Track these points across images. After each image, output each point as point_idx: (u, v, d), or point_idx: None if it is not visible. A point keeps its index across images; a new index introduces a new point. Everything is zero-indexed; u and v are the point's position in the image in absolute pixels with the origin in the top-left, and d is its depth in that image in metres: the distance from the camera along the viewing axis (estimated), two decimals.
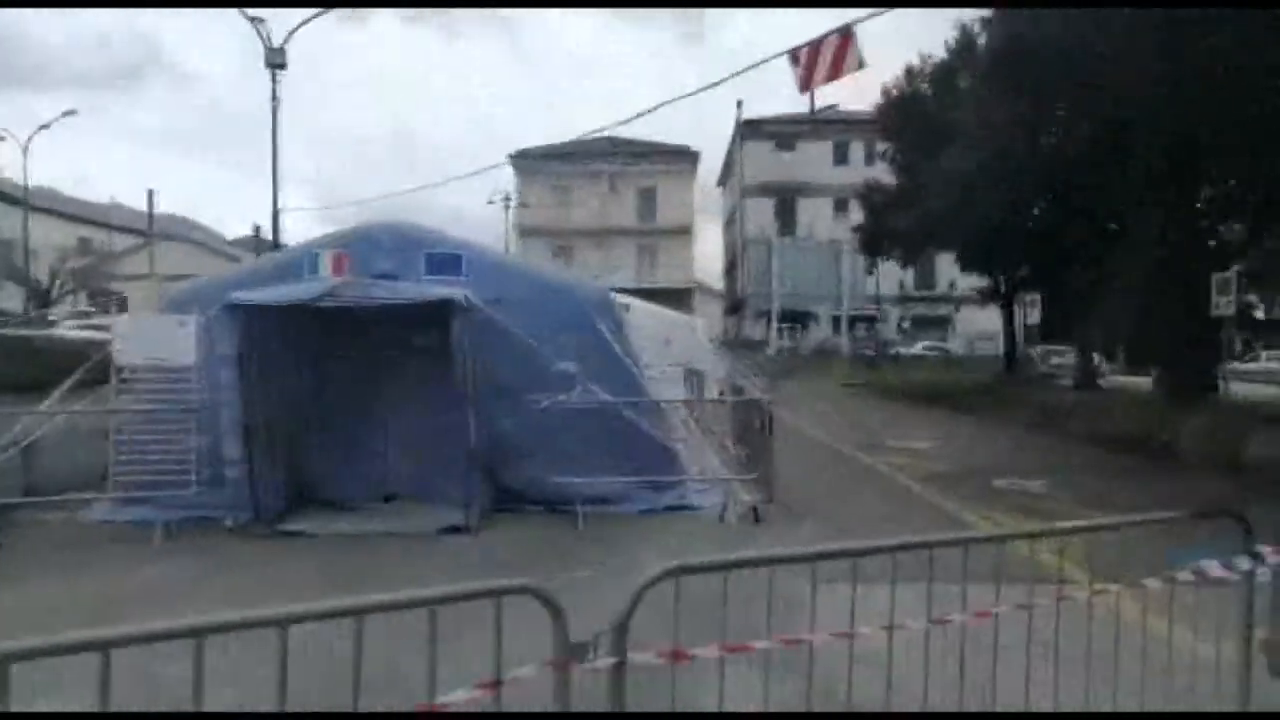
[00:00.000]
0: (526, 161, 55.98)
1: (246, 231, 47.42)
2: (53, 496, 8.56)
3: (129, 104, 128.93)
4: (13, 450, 8.05)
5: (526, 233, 56.37)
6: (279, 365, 8.96)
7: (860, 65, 10.74)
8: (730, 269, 62.87)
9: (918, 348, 45.56)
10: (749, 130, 55.59)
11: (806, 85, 11.22)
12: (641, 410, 9.49)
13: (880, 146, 31.29)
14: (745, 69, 33.94)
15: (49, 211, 54.20)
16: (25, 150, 40.36)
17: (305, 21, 17.25)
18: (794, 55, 10.94)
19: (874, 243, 30.86)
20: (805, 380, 34.64)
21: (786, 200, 54.95)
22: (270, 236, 21.72)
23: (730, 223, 63.20)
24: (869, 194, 30.54)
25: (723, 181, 66.80)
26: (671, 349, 25.73)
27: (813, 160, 54.62)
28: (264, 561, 7.54)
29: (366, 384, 9.75)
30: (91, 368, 9.00)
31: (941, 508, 9.87)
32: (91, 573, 7.17)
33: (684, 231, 56.25)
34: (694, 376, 18.75)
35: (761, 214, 55.41)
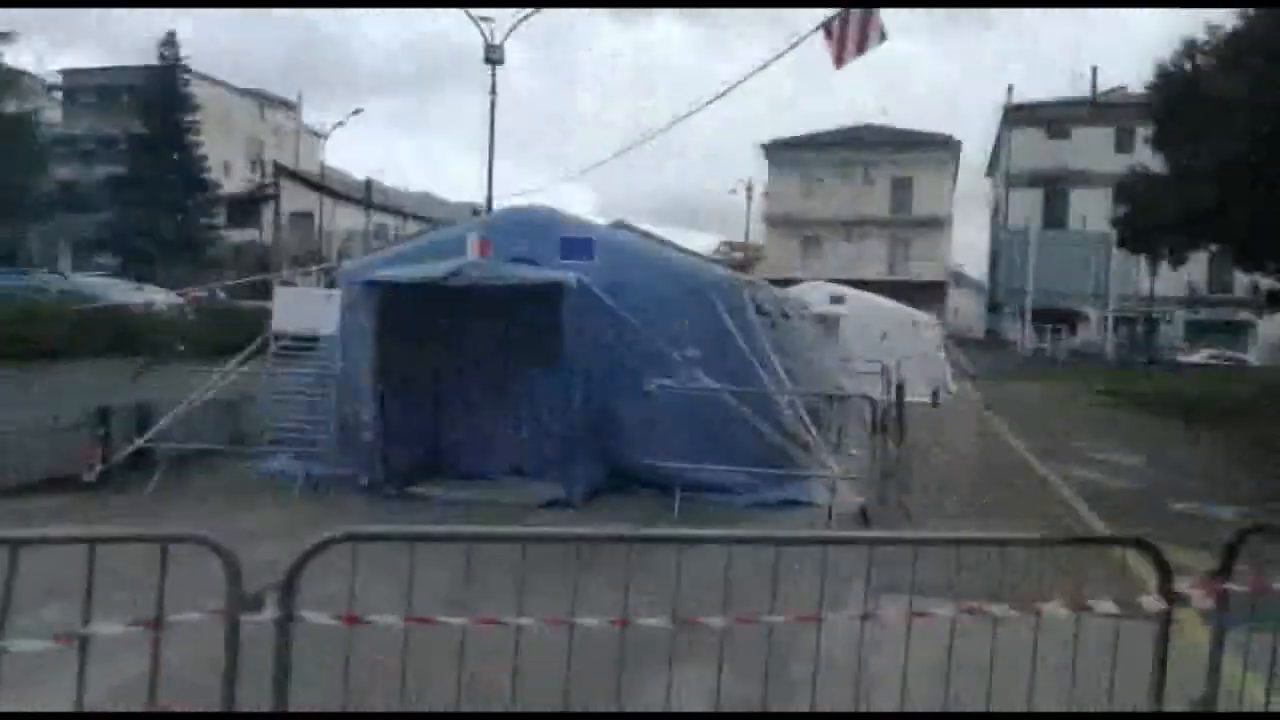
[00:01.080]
0: (777, 151, 55.71)
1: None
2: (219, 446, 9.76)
3: (438, 102, 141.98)
4: (183, 406, 9.24)
5: (775, 223, 56.13)
6: (414, 339, 9.65)
7: (883, 38, 10.10)
8: (993, 264, 59.13)
9: (1200, 355, 40.61)
10: (1018, 116, 51.92)
11: (839, 61, 10.51)
12: (751, 401, 9.27)
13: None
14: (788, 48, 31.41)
15: (346, 199, 61.05)
16: (323, 141, 45.28)
17: (521, 19, 18.26)
18: (827, 29, 10.18)
19: (1136, 238, 27.83)
20: (1051, 384, 32.10)
21: (1057, 191, 50.80)
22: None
23: (996, 215, 59.43)
24: (1132, 183, 27.55)
25: (991, 171, 62.90)
26: (888, 344, 24.88)
27: (1090, 148, 50.04)
28: (371, 516, 8.23)
29: (498, 361, 10.25)
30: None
31: (1088, 523, 8.91)
32: (230, 512, 8.15)
33: (939, 223, 53.61)
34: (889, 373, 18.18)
35: (1029, 205, 51.65)
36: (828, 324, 23.35)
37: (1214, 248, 27.22)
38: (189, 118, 46.39)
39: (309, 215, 57.87)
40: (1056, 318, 47.58)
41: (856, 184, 54.25)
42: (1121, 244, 29.70)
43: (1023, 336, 45.15)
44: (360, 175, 62.27)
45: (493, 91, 17.87)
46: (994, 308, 56.90)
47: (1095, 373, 36.41)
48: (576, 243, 10.10)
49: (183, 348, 16.56)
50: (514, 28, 18.37)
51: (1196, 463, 14.24)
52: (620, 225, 57.05)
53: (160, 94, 45.63)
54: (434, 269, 9.23)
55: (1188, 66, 25.63)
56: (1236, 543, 3.32)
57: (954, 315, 67.63)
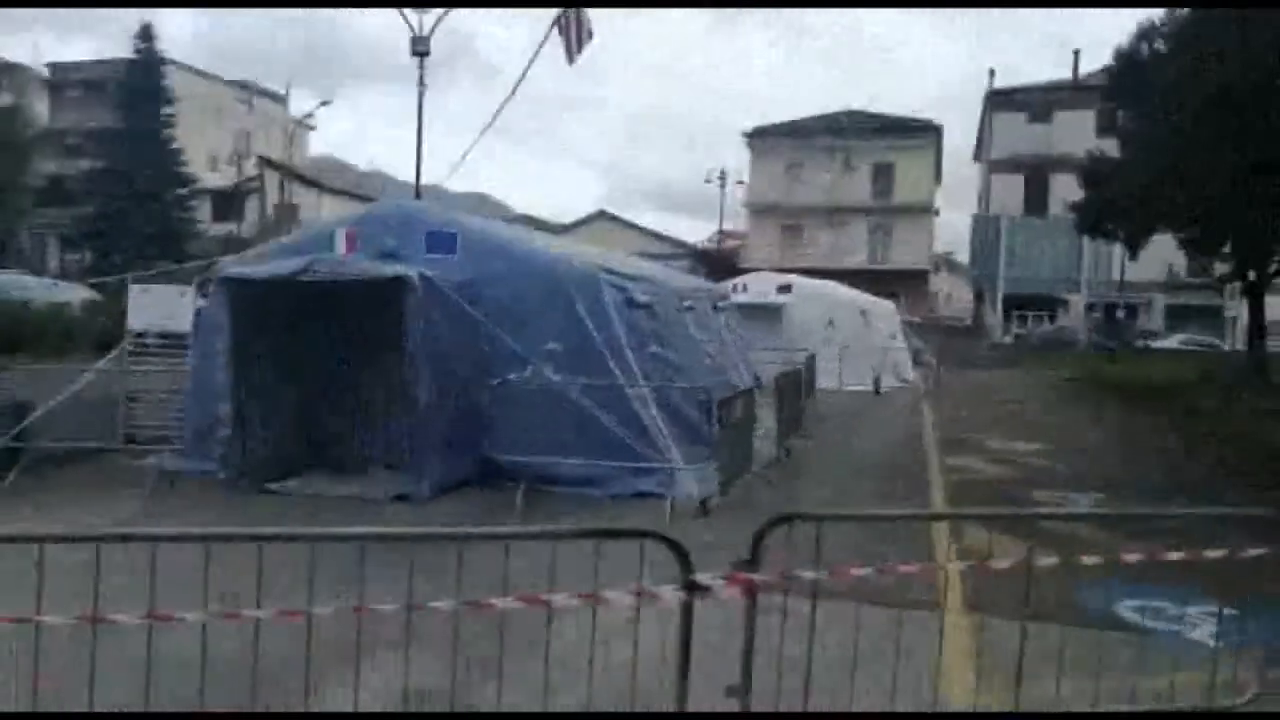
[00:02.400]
0: (759, 139, 55.54)
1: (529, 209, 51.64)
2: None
3: (444, 93, 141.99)
4: (45, 406, 9.35)
5: (758, 211, 56.00)
6: (276, 335, 9.73)
7: (590, 36, 10.43)
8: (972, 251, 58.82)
9: (1173, 340, 40.41)
10: (999, 100, 51.60)
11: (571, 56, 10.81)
12: (603, 394, 9.33)
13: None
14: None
15: (331, 190, 61.26)
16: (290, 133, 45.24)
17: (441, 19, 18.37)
18: (560, 25, 10.27)
19: (1094, 222, 27.63)
20: (1013, 371, 32.04)
21: (1039, 176, 50.48)
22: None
23: (981, 201, 59.11)
24: (1092, 166, 27.37)
25: (978, 156, 62.53)
26: (833, 332, 24.81)
27: (1072, 132, 49.64)
28: (212, 510, 8.36)
29: (359, 356, 10.32)
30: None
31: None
32: (77, 507, 8.29)
33: (921, 210, 53.37)
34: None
35: (1011, 191, 51.35)
36: (767, 312, 23.43)
37: (1174, 234, 26.99)
38: (165, 110, 46.45)
39: (296, 207, 58.04)
40: (1035, 304, 47.40)
41: (837, 171, 54.01)
42: (1081, 229, 29.46)
43: (998, 323, 44.99)
44: (364, 166, 62.50)
45: (421, 83, 18.01)
46: (979, 295, 56.76)
47: (1066, 359, 36.34)
48: (440, 237, 10.18)
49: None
50: (440, 20, 18.40)
51: (1105, 450, 14.24)
52: (602, 215, 56.53)
53: (136, 87, 45.73)
54: (285, 265, 9.31)
55: (1144, 50, 25.46)
56: (761, 533, 3.41)
57: (945, 303, 67.53)
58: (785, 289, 24.92)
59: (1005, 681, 4.10)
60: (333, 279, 9.12)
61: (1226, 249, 25.17)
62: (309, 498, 9.06)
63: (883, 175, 54.13)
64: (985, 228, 50.71)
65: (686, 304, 13.60)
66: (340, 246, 10.19)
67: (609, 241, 50.14)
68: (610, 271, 10.78)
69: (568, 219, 59.19)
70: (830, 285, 27.82)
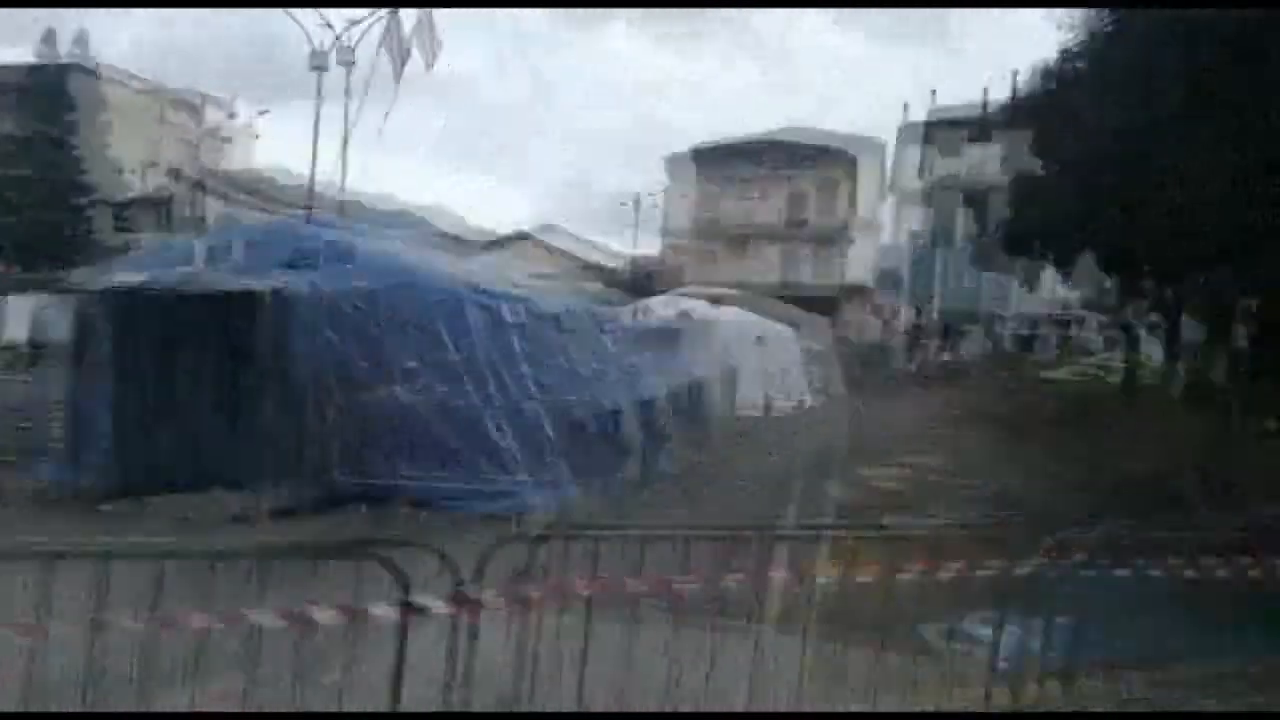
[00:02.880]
0: (679, 162, 56.09)
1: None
2: None
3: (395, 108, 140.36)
4: None
5: (673, 234, 56.50)
6: (123, 349, 9.48)
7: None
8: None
9: (1064, 371, 41.70)
10: (910, 132, 53.03)
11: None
12: (455, 413, 9.30)
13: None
14: None
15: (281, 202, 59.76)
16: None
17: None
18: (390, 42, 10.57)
19: (984, 251, 28.56)
20: (895, 401, 32.34)
21: (947, 205, 51.95)
22: None
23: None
24: (983, 195, 28.31)
25: (894, 186, 64.17)
26: (727, 357, 24.97)
27: (980, 161, 51.33)
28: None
29: (224, 369, 10.13)
30: None
31: None
32: None
33: (834, 235, 54.45)
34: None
35: (924, 219, 52.79)
36: (666, 337, 23.66)
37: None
38: (69, 116, 45.06)
39: (201, 219, 56.45)
40: (945, 330, 48.57)
41: (775, 190, 54.83)
42: (1009, 250, 29.66)
43: (905, 350, 46.05)
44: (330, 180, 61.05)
45: (347, 94, 17.65)
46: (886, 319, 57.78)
47: (955, 386, 36.57)
48: (308, 250, 10.07)
49: None
50: (367, 30, 18.04)
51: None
52: (548, 228, 55.89)
53: (41, 92, 44.32)
54: (131, 278, 9.12)
55: (1052, 83, 26.24)
56: (488, 554, 3.46)
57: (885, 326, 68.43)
58: (685, 314, 25.20)
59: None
60: (204, 290, 8.93)
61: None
62: (140, 516, 8.80)
63: (796, 201, 55.07)
64: (884, 255, 52.12)
65: (567, 326, 13.64)
66: (200, 260, 10.05)
67: (534, 261, 50.13)
68: (481, 290, 10.76)
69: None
70: (730, 311, 28.13)
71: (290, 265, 9.93)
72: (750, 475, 13.27)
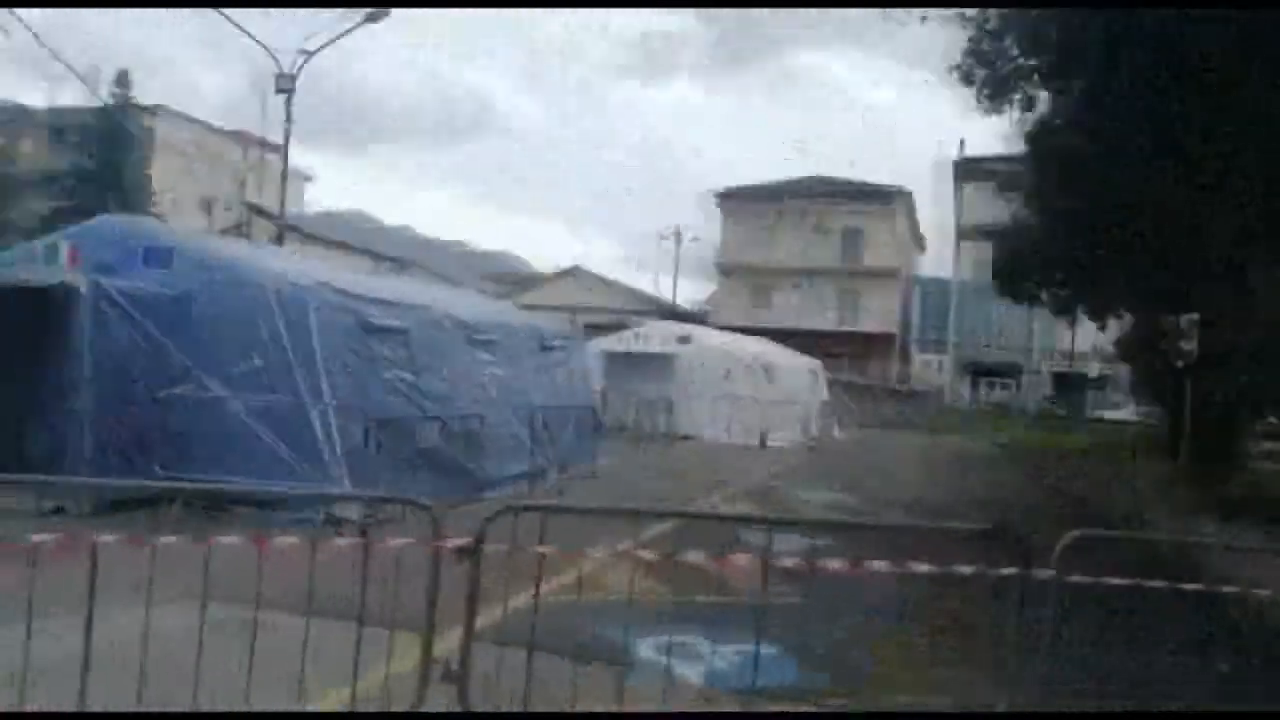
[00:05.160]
0: (729, 200, 55.80)
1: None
2: None
3: (467, 155, 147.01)
4: None
5: (728, 272, 55.99)
6: None
7: None
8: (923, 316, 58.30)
9: (1127, 411, 39.58)
10: (968, 169, 51.62)
11: None
12: (279, 414, 9.06)
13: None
14: None
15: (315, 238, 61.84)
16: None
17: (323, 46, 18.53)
18: None
19: (1010, 287, 27.24)
20: (957, 436, 31.33)
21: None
22: None
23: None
24: (1002, 234, 27.12)
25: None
26: (729, 385, 24.37)
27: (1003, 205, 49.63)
28: None
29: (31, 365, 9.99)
30: None
31: None
32: None
33: (888, 274, 53.06)
34: None
35: (981, 259, 51.10)
36: (656, 361, 23.29)
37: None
38: (132, 155, 47.38)
39: None
40: (999, 372, 46.80)
41: (806, 234, 53.98)
42: (1000, 290, 28.99)
43: (950, 388, 44.43)
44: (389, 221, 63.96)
45: (288, 120, 18.14)
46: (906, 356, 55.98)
47: (1011, 424, 35.66)
48: (156, 252, 10.06)
49: None
50: (312, 55, 18.52)
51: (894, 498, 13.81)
52: (575, 270, 56.21)
53: (106, 131, 46.72)
54: None
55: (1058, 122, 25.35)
56: None
57: (924, 369, 66.83)
58: (685, 340, 24.70)
59: None
60: None
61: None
62: None
63: (851, 240, 54.02)
64: (926, 293, 50.58)
65: (483, 337, 13.40)
66: (64, 260, 10.11)
67: (579, 297, 50.40)
68: (343, 293, 10.58)
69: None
70: (735, 339, 27.54)
71: (146, 265, 9.97)
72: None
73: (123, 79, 47.45)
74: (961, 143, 53.11)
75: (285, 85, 18.47)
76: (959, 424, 35.82)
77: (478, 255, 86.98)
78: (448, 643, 4.09)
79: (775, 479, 15.68)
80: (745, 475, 16.03)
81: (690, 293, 57.45)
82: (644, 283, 59.76)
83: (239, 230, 56.95)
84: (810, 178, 54.97)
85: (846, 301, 53.98)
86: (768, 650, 4.64)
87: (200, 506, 8.59)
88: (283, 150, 18.90)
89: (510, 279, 62.53)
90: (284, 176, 19.91)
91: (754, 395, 23.90)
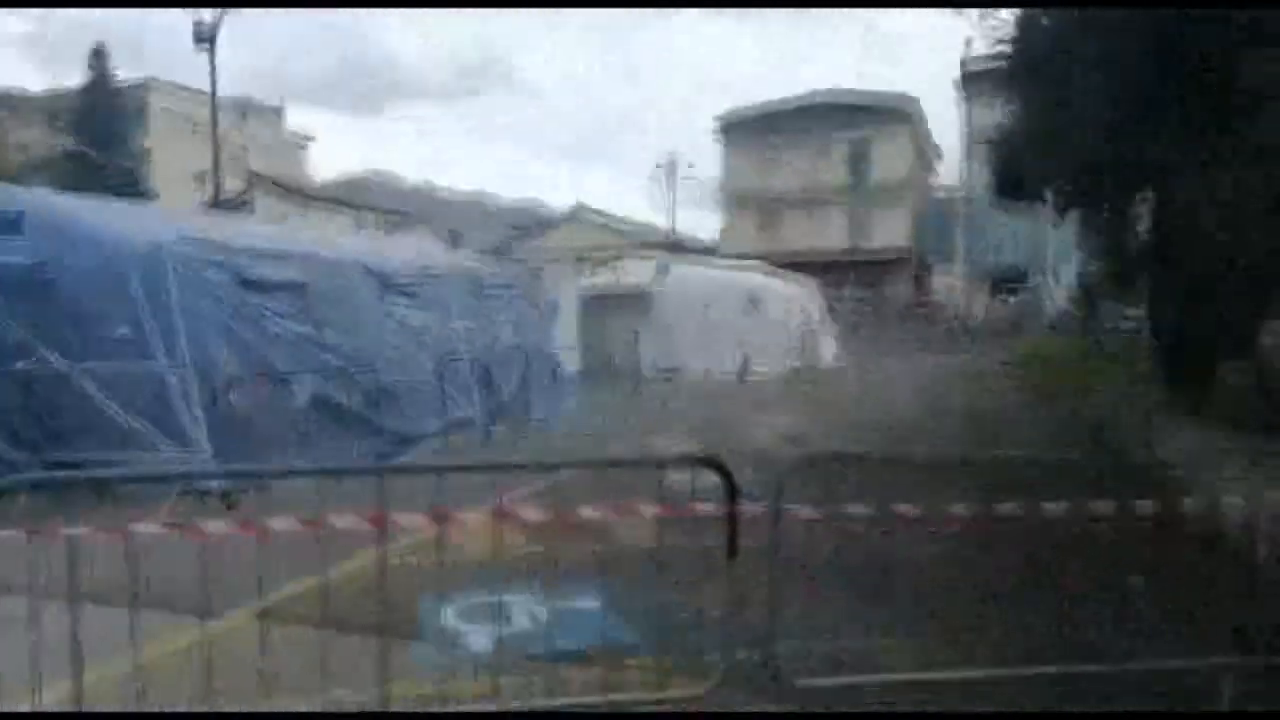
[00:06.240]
0: (731, 127, 54.18)
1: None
2: None
3: (479, 108, 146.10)
4: None
5: (733, 200, 54.58)
6: None
7: None
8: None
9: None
10: (974, 74, 49.43)
11: None
12: (130, 382, 8.40)
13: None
14: None
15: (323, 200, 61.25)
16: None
17: None
18: None
19: (1008, 193, 25.84)
20: (961, 356, 30.16)
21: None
22: None
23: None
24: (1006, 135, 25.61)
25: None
26: (709, 313, 23.47)
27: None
28: None
29: None
30: None
31: None
32: None
33: (899, 191, 51.24)
34: None
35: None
36: (633, 299, 22.58)
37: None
38: (116, 130, 46.84)
39: (282, 219, 58.12)
40: (1010, 284, 45.20)
41: (810, 155, 52.28)
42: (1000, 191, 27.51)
43: (958, 303, 43.00)
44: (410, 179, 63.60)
45: (212, 82, 17.14)
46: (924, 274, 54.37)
47: (1026, 341, 34.30)
48: (7, 219, 9.36)
49: None
50: (221, 16, 17.55)
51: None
52: (580, 207, 55.35)
53: (90, 108, 46.20)
54: None
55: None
56: None
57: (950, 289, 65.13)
58: (662, 272, 23.79)
59: None
60: None
61: None
62: None
63: (859, 158, 52.24)
64: (934, 209, 48.92)
65: (402, 285, 12.65)
66: None
67: (585, 235, 49.35)
68: (220, 247, 9.85)
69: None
70: (713, 268, 26.55)
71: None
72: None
73: (99, 53, 46.76)
74: (968, 42, 50.86)
75: (205, 34, 17.52)
76: (970, 341, 34.60)
77: (502, 206, 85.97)
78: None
79: (737, 413, 14.89)
80: (695, 413, 15.32)
81: (710, 225, 55.97)
82: (662, 218, 58.19)
83: (241, 199, 56.82)
84: (811, 94, 52.95)
85: (856, 222, 52.43)
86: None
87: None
88: (211, 106, 17.94)
89: (533, 225, 61.41)
90: (214, 129, 18.78)
91: (736, 325, 22.98)
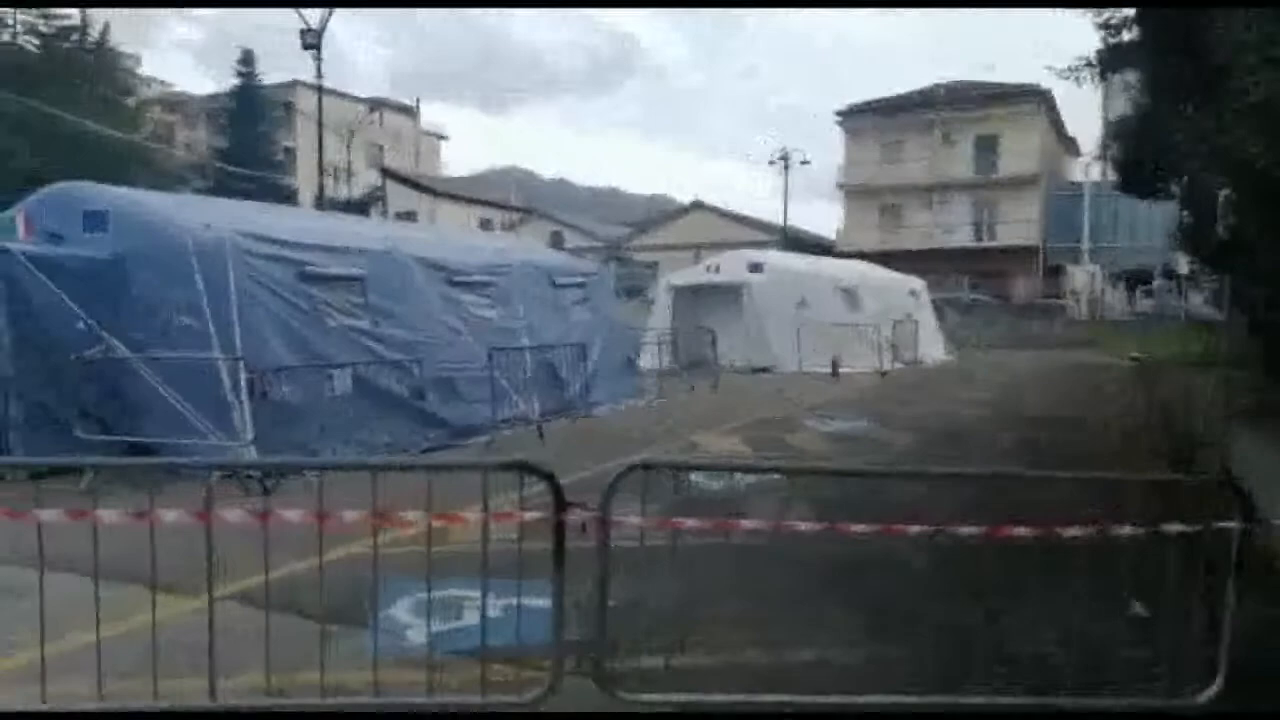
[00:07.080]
0: (852, 118, 52.99)
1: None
2: None
3: (613, 102, 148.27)
4: None
5: (853, 193, 53.37)
6: None
7: None
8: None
9: None
10: (1111, 58, 46.67)
11: None
12: (184, 371, 8.99)
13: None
14: None
15: (448, 196, 63.37)
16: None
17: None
18: None
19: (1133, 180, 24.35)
20: (1086, 351, 28.75)
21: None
22: None
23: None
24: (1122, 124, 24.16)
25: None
26: (805, 312, 23.24)
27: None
28: None
29: None
30: None
31: None
32: None
33: (1028, 183, 48.91)
34: None
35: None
36: (724, 293, 22.53)
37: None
38: (262, 128, 49.71)
39: (411, 215, 60.57)
40: (1140, 279, 42.55)
41: (935, 146, 50.58)
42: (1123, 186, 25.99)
43: (1083, 299, 40.66)
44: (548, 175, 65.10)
45: (318, 75, 18.16)
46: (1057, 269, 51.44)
47: (1157, 337, 32.30)
48: (96, 216, 10.15)
49: None
50: (328, 17, 18.42)
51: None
52: (697, 204, 55.48)
53: (238, 109, 49.21)
54: None
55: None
56: None
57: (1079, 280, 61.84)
58: (757, 268, 23.56)
59: None
60: None
61: None
62: None
63: (985, 147, 50.19)
64: (1061, 200, 46.34)
65: (468, 279, 13.05)
66: (20, 230, 10.41)
67: (704, 229, 49.44)
68: (279, 242, 10.40)
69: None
70: (810, 261, 26.08)
71: (87, 230, 10.10)
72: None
73: (247, 59, 49.79)
74: (1107, 25, 48.13)
75: (312, 40, 18.46)
76: (1096, 338, 32.85)
77: (633, 199, 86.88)
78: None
79: (809, 413, 14.63)
80: (769, 410, 15.11)
81: (831, 219, 55.16)
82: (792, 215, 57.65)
83: (374, 195, 59.39)
84: (934, 85, 51.24)
85: (982, 215, 50.47)
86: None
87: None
88: (318, 104, 18.91)
89: (660, 218, 61.71)
90: (319, 128, 19.76)
91: (832, 321, 22.57)
